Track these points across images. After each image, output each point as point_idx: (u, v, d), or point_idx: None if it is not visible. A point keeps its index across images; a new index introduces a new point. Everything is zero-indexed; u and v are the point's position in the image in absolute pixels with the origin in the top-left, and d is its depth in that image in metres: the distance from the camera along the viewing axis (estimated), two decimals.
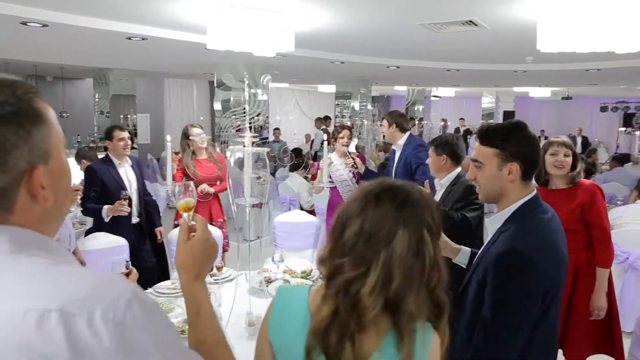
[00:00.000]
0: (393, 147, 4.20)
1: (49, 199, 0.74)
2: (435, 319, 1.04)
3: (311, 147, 11.52)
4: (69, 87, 11.01)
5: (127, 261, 1.83)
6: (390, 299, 0.97)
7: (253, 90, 6.96)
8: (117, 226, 3.42)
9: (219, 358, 0.97)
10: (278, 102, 14.55)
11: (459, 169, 2.99)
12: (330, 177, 4.15)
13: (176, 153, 4.16)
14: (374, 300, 0.97)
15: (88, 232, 3.68)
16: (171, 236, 3.59)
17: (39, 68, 8.66)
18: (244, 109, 7.48)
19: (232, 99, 7.49)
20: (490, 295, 1.43)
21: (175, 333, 0.77)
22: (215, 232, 3.44)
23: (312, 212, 5.58)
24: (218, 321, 1.02)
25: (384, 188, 1.06)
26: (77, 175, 4.62)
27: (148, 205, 3.86)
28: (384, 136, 5.20)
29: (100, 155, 4.13)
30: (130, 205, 3.52)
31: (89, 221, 4.04)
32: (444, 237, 1.79)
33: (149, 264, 3.72)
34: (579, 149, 11.49)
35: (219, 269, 3.02)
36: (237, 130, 7.41)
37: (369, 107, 10.97)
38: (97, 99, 9.22)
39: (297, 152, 8.40)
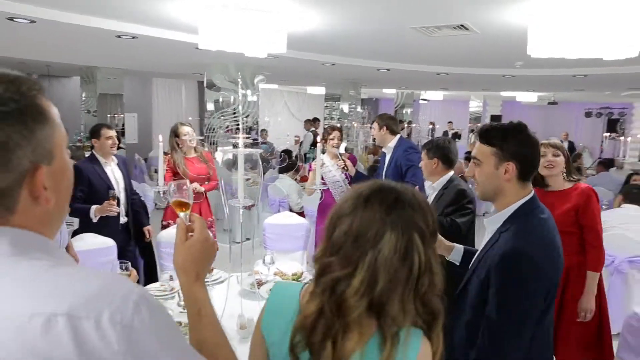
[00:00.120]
0: (383, 149, 4.20)
1: (51, 201, 0.72)
2: (428, 326, 1.02)
3: (300, 149, 11.51)
4: (56, 85, 10.86)
5: (124, 262, 1.79)
6: (375, 301, 0.97)
7: (243, 91, 6.94)
8: (104, 226, 3.36)
9: (221, 359, 0.96)
10: (267, 104, 14.51)
11: (451, 173, 2.99)
12: (322, 178, 4.15)
13: (165, 153, 4.10)
14: (358, 301, 0.96)
15: (75, 233, 3.62)
16: (160, 237, 3.54)
17: (24, 65, 8.52)
18: (235, 109, 7.47)
19: (221, 99, 7.46)
20: (495, 295, 1.44)
21: (179, 333, 0.76)
22: None
23: (301, 214, 5.57)
24: (219, 322, 1.01)
25: (374, 189, 1.05)
26: None
27: (135, 205, 3.81)
28: (374, 139, 5.21)
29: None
30: (118, 204, 3.47)
31: (76, 222, 3.97)
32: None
33: (135, 265, 3.68)
34: None
35: (209, 271, 2.98)
36: (227, 131, 7.39)
37: (359, 109, 11.00)
38: (84, 98, 9.11)
39: (287, 153, 8.38)
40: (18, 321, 0.61)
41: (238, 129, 7.48)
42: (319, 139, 4.06)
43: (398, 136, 4.08)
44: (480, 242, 2.78)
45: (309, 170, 4.51)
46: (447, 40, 4.92)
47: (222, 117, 7.44)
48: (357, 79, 10.12)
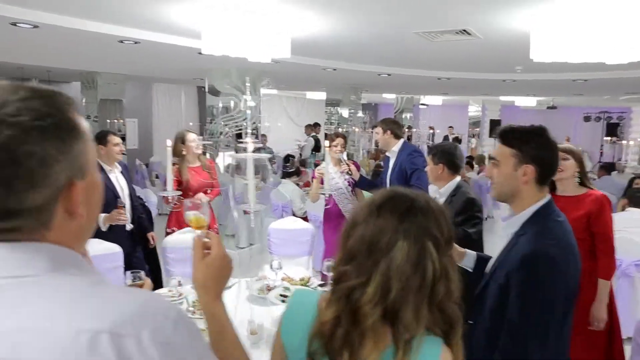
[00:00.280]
0: (387, 153, 4.20)
1: (84, 215, 0.73)
2: (446, 334, 1.01)
3: (301, 154, 11.51)
4: None
5: (136, 272, 1.76)
6: (389, 309, 0.97)
7: (247, 96, 6.94)
8: (110, 233, 3.33)
9: None
10: (266, 109, 14.52)
11: (458, 179, 2.96)
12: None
13: (174, 164, 4.06)
14: (372, 309, 0.96)
15: None
16: (165, 242, 3.53)
17: (24, 70, 8.52)
18: (237, 114, 7.47)
19: (221, 104, 7.46)
20: (517, 298, 1.44)
21: (210, 350, 0.78)
22: None
23: (304, 218, 5.56)
24: (240, 340, 1.02)
25: (387, 197, 1.06)
26: None
27: (138, 211, 3.79)
28: (376, 143, 5.21)
29: None
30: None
31: None
32: None
33: (150, 270, 3.67)
34: None
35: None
36: (229, 136, 7.39)
37: (360, 114, 11.02)
38: (84, 103, 9.10)
39: (287, 159, 8.39)
40: (64, 338, 0.61)
41: (240, 134, 7.48)
42: (326, 143, 4.03)
43: (402, 140, 4.09)
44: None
45: (312, 177, 4.50)
46: (448, 45, 4.95)
47: (226, 122, 7.44)
48: (358, 84, 10.15)
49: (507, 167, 1.58)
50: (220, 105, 7.48)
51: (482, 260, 1.83)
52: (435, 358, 1.00)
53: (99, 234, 3.33)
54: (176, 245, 3.47)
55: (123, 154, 3.72)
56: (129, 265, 3.45)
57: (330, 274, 2.82)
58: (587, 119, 16.57)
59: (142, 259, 3.75)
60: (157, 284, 3.73)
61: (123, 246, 3.34)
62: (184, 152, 3.93)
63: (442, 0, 3.42)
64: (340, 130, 10.20)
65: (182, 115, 12.97)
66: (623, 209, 5.00)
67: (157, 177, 9.36)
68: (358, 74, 7.57)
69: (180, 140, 3.97)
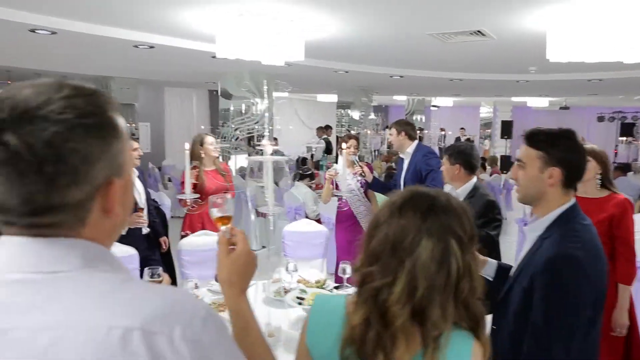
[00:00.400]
0: (401, 155, 4.19)
1: (119, 214, 0.74)
2: (473, 329, 1.03)
3: (312, 157, 11.52)
4: None
5: (154, 268, 1.75)
6: (416, 308, 0.97)
7: (258, 99, 6.96)
8: (127, 236, 3.36)
9: None
10: (277, 111, 14.55)
11: (474, 179, 2.95)
12: (337, 187, 4.14)
13: (194, 167, 4.08)
14: (401, 309, 0.97)
15: None
16: (180, 245, 3.55)
17: (41, 77, 8.64)
18: (251, 118, 7.49)
19: (232, 107, 7.50)
20: (542, 301, 1.42)
21: (237, 347, 0.79)
22: None
23: (317, 221, 5.55)
24: (264, 337, 1.02)
25: (408, 197, 1.06)
26: None
27: (152, 215, 3.82)
28: (389, 145, 5.20)
29: None
30: None
31: None
32: None
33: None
34: None
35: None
36: (240, 140, 7.42)
37: (372, 116, 10.99)
38: None
39: (303, 161, 8.39)
40: (97, 334, 0.62)
41: (252, 137, 7.51)
42: (343, 146, 4.03)
43: (416, 141, 4.08)
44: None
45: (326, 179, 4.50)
46: (462, 46, 4.92)
47: (237, 126, 7.48)
48: (369, 86, 10.14)
49: (532, 169, 1.57)
50: (232, 108, 7.52)
51: (502, 269, 1.81)
52: (467, 352, 1.01)
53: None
54: (191, 248, 3.49)
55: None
56: (143, 268, 3.47)
57: (345, 277, 2.84)
58: (600, 119, 16.37)
59: (160, 260, 3.77)
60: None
61: (139, 249, 3.37)
62: (202, 155, 3.96)
63: (457, 2, 3.41)
64: (352, 132, 10.19)
65: (194, 118, 13.04)
66: None
67: (169, 180, 9.41)
68: (370, 76, 7.57)
69: (199, 143, 4.00)
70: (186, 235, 3.77)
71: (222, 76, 7.40)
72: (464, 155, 2.91)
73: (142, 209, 3.40)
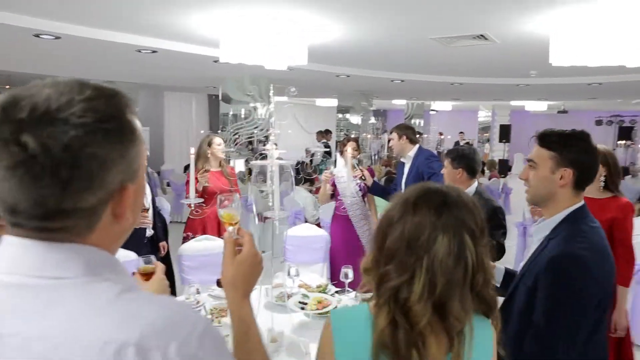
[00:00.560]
0: (402, 159, 4.19)
1: (130, 219, 0.72)
2: (485, 314, 1.07)
3: (312, 162, 11.51)
4: None
5: (146, 257, 1.69)
6: (437, 303, 0.98)
7: (259, 104, 6.97)
8: (130, 238, 3.34)
9: None
10: (276, 116, 14.51)
11: (475, 183, 2.96)
12: (336, 189, 4.14)
13: (206, 170, 4.10)
14: (424, 306, 0.98)
15: None
16: (181, 250, 3.53)
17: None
18: (251, 122, 7.48)
19: (232, 112, 7.50)
20: (544, 300, 1.42)
21: None
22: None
23: (317, 225, 5.55)
24: (264, 344, 1.00)
25: (421, 193, 1.07)
26: None
27: (155, 217, 3.81)
28: (389, 149, 5.20)
29: None
30: None
31: None
32: None
33: None
34: None
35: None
36: (241, 143, 7.41)
37: (372, 120, 11.00)
38: None
39: (303, 165, 8.39)
40: (91, 347, 0.61)
41: (254, 141, 7.51)
42: (349, 149, 4.03)
43: (417, 145, 4.09)
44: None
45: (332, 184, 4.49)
46: (464, 50, 4.93)
47: (235, 131, 7.47)
48: (369, 90, 10.15)
49: (544, 170, 1.56)
50: (233, 112, 7.52)
51: (509, 275, 1.80)
52: (489, 338, 1.07)
53: None
54: (192, 253, 3.48)
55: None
56: None
57: (347, 281, 2.82)
58: (598, 122, 16.42)
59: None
60: (171, 293, 3.74)
61: (141, 253, 3.35)
62: (209, 155, 4.01)
63: (460, 6, 3.41)
64: (351, 136, 10.21)
65: (193, 123, 13.03)
66: (639, 214, 4.94)
67: (168, 185, 9.38)
68: (371, 80, 7.57)
69: (207, 143, 4.05)
70: (187, 237, 3.76)
71: (223, 80, 7.40)
72: (467, 160, 2.93)
73: (147, 209, 3.39)
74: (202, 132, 11.31)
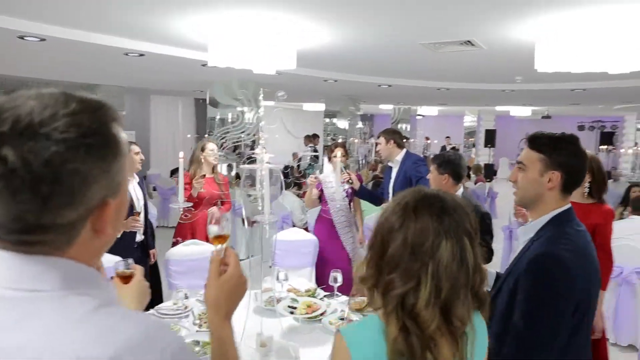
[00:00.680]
0: (389, 163, 4.22)
1: (110, 234, 0.72)
2: (479, 309, 1.10)
3: (299, 166, 11.52)
4: None
5: (126, 260, 1.67)
6: (442, 307, 1.00)
7: (246, 108, 6.95)
8: (120, 243, 3.30)
9: None
10: (265, 120, 14.49)
11: (461, 189, 2.99)
12: (322, 193, 4.15)
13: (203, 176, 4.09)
14: (432, 312, 0.99)
15: None
16: (169, 255, 3.50)
17: (26, 84, 8.52)
18: (239, 126, 7.45)
19: (219, 116, 7.47)
20: (524, 301, 1.42)
21: None
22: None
23: (305, 229, 5.55)
24: None
25: (420, 198, 1.07)
26: None
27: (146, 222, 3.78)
28: (376, 153, 5.23)
29: None
30: None
31: None
32: None
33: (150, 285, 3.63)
34: None
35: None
36: (234, 148, 7.39)
37: (359, 125, 11.04)
38: None
39: (290, 169, 8.39)
40: None
41: (241, 145, 7.48)
42: (338, 154, 4.04)
43: (405, 149, 4.12)
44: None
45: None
46: (451, 56, 4.98)
47: (222, 135, 7.44)
48: (356, 95, 10.20)
49: (533, 172, 1.58)
50: (220, 116, 7.49)
51: (499, 279, 1.82)
52: (484, 332, 1.11)
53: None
54: (179, 258, 3.45)
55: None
56: None
57: (336, 285, 2.83)
58: (581, 128, 16.73)
59: (149, 269, 3.72)
60: (158, 299, 3.70)
61: (131, 257, 3.31)
62: (202, 160, 4.00)
63: (448, 12, 3.45)
64: (339, 140, 10.23)
65: (180, 127, 12.94)
66: (621, 217, 5.05)
67: (154, 189, 9.29)
68: (358, 85, 7.61)
69: (200, 148, 4.06)
70: (177, 241, 3.74)
71: (210, 84, 7.37)
72: (453, 165, 2.96)
73: (139, 212, 3.35)
74: (188, 136, 11.24)
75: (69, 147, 0.62)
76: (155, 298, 3.72)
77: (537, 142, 1.59)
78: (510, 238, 5.54)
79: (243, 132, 7.41)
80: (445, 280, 0.99)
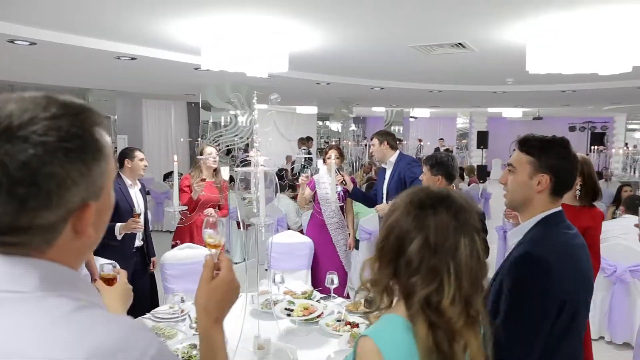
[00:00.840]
0: (383, 165, 4.24)
1: (92, 236, 0.71)
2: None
3: (292, 169, 11.50)
4: None
5: (110, 263, 1.64)
6: (465, 302, 1.03)
7: (240, 111, 6.94)
8: (118, 248, 3.28)
9: None
10: (259, 123, 14.45)
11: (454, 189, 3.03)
12: (316, 194, 4.17)
13: (180, 174, 4.09)
14: (457, 308, 1.01)
15: None
16: (164, 259, 3.49)
17: (14, 88, 8.46)
18: (231, 130, 7.44)
19: (212, 119, 7.46)
20: (504, 302, 1.42)
21: None
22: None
23: (300, 232, 5.55)
24: None
25: (434, 197, 1.07)
26: None
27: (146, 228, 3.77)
28: (370, 155, 5.24)
29: None
30: None
31: None
32: None
33: (146, 291, 3.63)
34: None
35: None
36: (227, 152, 7.37)
37: (353, 127, 11.06)
38: None
39: (284, 172, 8.37)
40: None
41: (234, 148, 7.47)
42: (332, 156, 4.06)
43: (398, 151, 4.14)
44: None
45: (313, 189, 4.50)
46: (443, 58, 5.01)
47: (215, 139, 7.43)
48: (349, 98, 10.22)
49: (522, 175, 1.57)
50: (213, 120, 7.47)
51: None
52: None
53: (107, 250, 3.28)
54: (175, 262, 3.45)
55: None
56: (134, 285, 3.39)
57: (332, 287, 2.83)
58: (572, 129, 16.88)
59: (149, 275, 3.70)
60: (154, 303, 3.69)
61: (129, 263, 3.30)
62: (200, 164, 4.02)
63: (440, 15, 3.48)
64: (333, 143, 10.25)
65: (172, 130, 12.89)
66: (612, 216, 5.10)
67: (148, 193, 9.24)
68: (351, 88, 7.62)
69: (199, 152, 4.08)
70: (176, 244, 3.74)
71: (203, 88, 7.35)
72: (445, 167, 3.00)
73: (139, 214, 3.33)
74: (181, 140, 11.20)
75: (48, 151, 0.62)
76: (152, 302, 3.71)
77: (527, 144, 1.58)
78: (504, 238, 5.57)
79: (236, 135, 7.40)
80: (466, 277, 1.02)
